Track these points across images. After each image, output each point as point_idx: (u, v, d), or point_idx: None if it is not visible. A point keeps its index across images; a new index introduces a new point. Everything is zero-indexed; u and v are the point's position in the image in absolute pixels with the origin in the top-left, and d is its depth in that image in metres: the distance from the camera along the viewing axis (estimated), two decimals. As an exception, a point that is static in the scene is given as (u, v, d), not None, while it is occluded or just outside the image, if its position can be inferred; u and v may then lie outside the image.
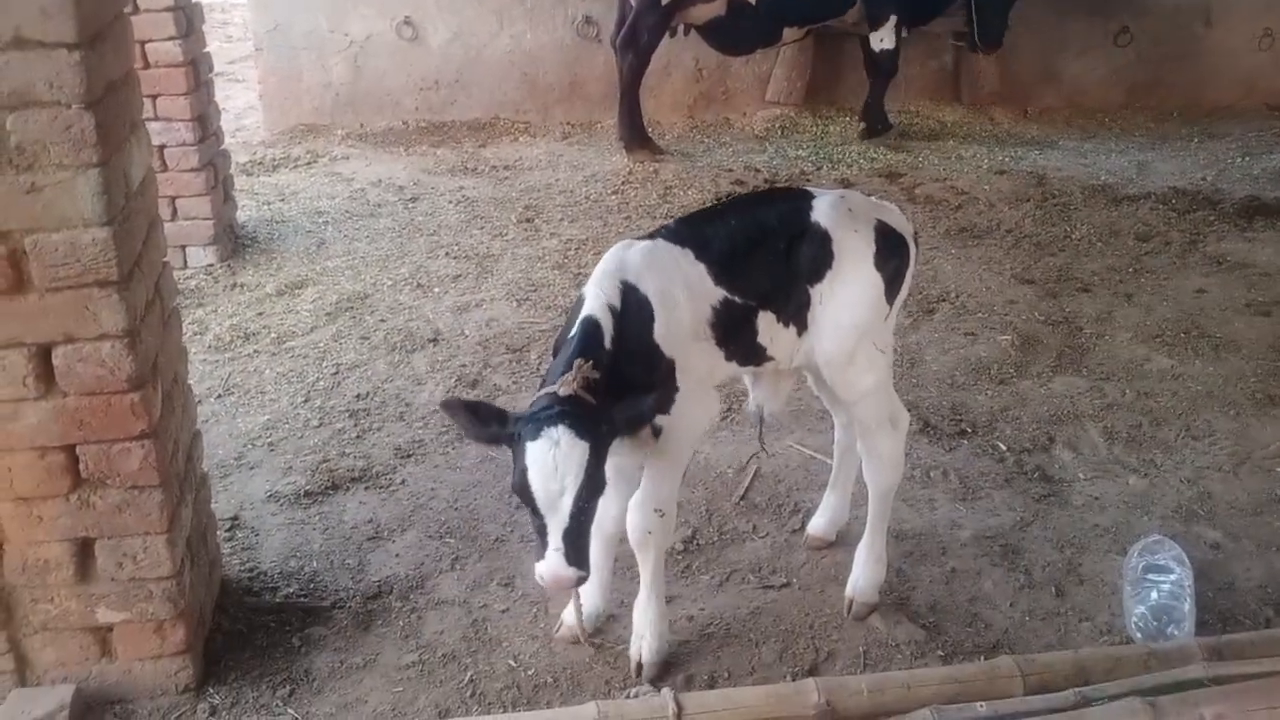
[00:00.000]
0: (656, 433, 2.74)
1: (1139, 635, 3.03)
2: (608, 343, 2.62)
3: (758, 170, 7.41)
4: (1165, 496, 3.74)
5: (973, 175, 7.29)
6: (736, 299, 2.85)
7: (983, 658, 2.96)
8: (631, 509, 2.85)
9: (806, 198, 3.02)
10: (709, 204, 6.66)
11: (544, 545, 2.48)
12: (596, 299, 2.66)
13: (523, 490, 2.47)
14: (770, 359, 2.96)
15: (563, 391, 2.51)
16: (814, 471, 3.86)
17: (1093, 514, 3.64)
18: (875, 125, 8.04)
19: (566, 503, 2.45)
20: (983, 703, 2.66)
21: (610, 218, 6.49)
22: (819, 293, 2.92)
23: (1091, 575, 3.34)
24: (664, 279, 2.76)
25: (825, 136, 8.29)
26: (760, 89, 8.75)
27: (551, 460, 2.41)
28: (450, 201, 6.80)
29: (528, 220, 6.46)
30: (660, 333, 2.70)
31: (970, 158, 7.74)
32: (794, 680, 2.86)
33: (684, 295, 2.78)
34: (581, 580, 2.56)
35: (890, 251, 2.98)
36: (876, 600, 3.20)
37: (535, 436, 2.43)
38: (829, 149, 7.97)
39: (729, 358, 2.89)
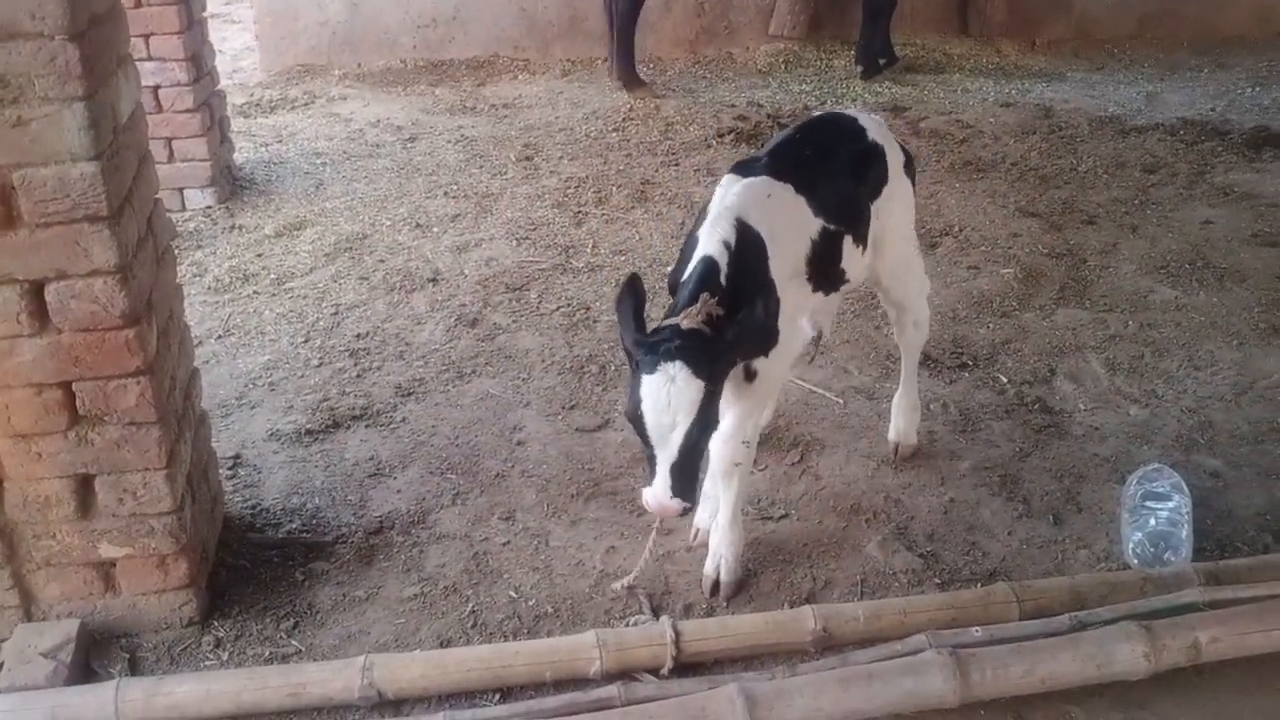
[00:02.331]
0: (751, 375, 2.77)
1: (1136, 562, 3.04)
2: (723, 279, 2.63)
3: (760, 106, 7.32)
4: (1166, 426, 3.73)
5: (978, 108, 7.19)
6: (830, 227, 2.93)
7: (980, 585, 2.97)
8: (720, 441, 2.84)
9: (853, 119, 3.21)
10: (710, 140, 6.62)
11: (652, 474, 2.54)
12: (712, 237, 2.68)
13: (635, 419, 2.51)
14: (846, 282, 3.06)
15: (685, 324, 2.52)
16: (813, 405, 3.86)
17: (1092, 444, 3.64)
18: (872, 66, 7.90)
19: (676, 438, 2.48)
20: (978, 627, 2.69)
21: (611, 155, 6.43)
22: (877, 209, 3.09)
23: (1090, 504, 3.35)
24: (774, 215, 2.80)
25: (829, 71, 8.17)
26: (763, 23, 8.61)
27: (665, 396, 2.44)
28: (449, 141, 6.74)
29: (527, 159, 6.40)
30: (775, 269, 2.74)
31: (976, 91, 7.63)
32: (791, 608, 2.89)
33: (790, 231, 2.83)
34: (686, 511, 2.61)
35: (908, 158, 3.27)
36: (916, 442, 3.53)
37: (652, 370, 2.45)
38: (833, 84, 7.87)
39: (816, 289, 2.94)
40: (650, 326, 2.63)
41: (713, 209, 2.78)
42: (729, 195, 2.80)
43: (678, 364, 2.44)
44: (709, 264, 2.65)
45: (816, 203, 2.90)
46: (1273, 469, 3.50)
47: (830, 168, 3.01)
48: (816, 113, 3.33)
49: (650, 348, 2.50)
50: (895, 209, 3.18)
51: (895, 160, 3.19)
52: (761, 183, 2.86)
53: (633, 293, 2.62)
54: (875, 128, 3.20)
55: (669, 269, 4.88)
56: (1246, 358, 4.13)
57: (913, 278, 3.38)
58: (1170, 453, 3.57)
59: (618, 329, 2.65)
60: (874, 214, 3.08)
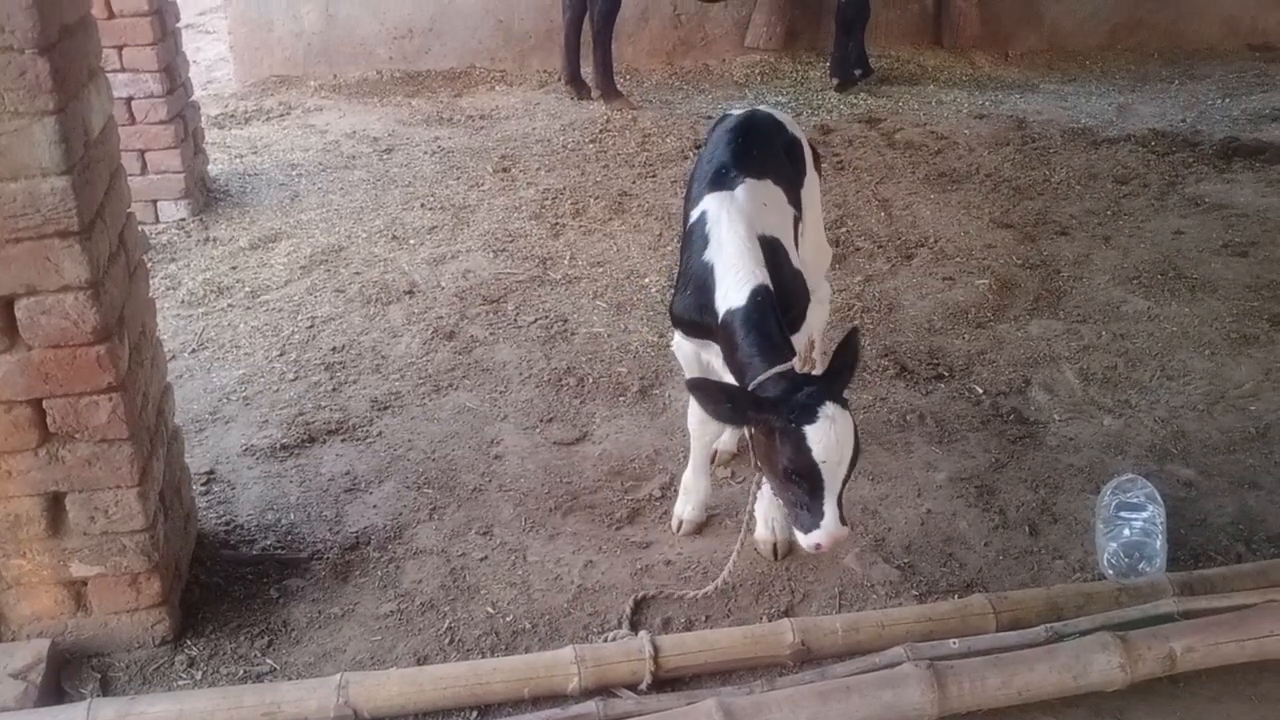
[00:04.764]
0: None
1: (1111, 572, 3.06)
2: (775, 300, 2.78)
3: (736, 117, 7.33)
4: (1139, 436, 3.76)
5: (952, 120, 7.24)
6: (796, 213, 3.14)
7: (957, 596, 2.98)
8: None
9: (770, 114, 3.40)
10: (687, 152, 6.63)
11: (815, 514, 2.60)
12: (750, 265, 2.78)
13: (806, 469, 2.56)
14: None
15: (799, 370, 2.67)
16: (791, 417, 3.86)
17: (1067, 454, 3.66)
18: (847, 78, 7.94)
19: (843, 472, 2.60)
20: (956, 639, 2.69)
21: (588, 166, 6.44)
22: (801, 197, 3.26)
23: (1065, 514, 3.37)
24: (772, 216, 2.98)
25: (805, 82, 8.22)
26: (739, 35, 8.65)
27: (834, 437, 2.53)
28: (425, 152, 6.72)
29: (504, 170, 6.39)
30: (794, 262, 2.95)
31: (950, 102, 7.69)
32: (770, 621, 2.89)
33: (785, 223, 3.03)
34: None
35: (815, 151, 3.49)
36: None
37: (812, 419, 2.53)
38: (809, 95, 7.91)
39: None
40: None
41: (725, 233, 2.85)
42: (738, 214, 2.88)
43: (830, 405, 2.55)
44: (765, 293, 2.75)
45: (787, 192, 3.11)
46: (1245, 478, 3.53)
47: (779, 159, 3.20)
48: (733, 113, 3.43)
49: (789, 402, 2.57)
50: (814, 197, 3.40)
51: (808, 152, 3.41)
52: (752, 189, 2.97)
53: (708, 385, 2.71)
54: (790, 122, 3.42)
55: (646, 280, 4.94)
56: (1218, 367, 4.17)
57: (826, 259, 3.63)
58: (1144, 463, 3.60)
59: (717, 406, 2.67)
60: (802, 200, 3.27)
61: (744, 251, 2.81)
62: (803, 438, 2.53)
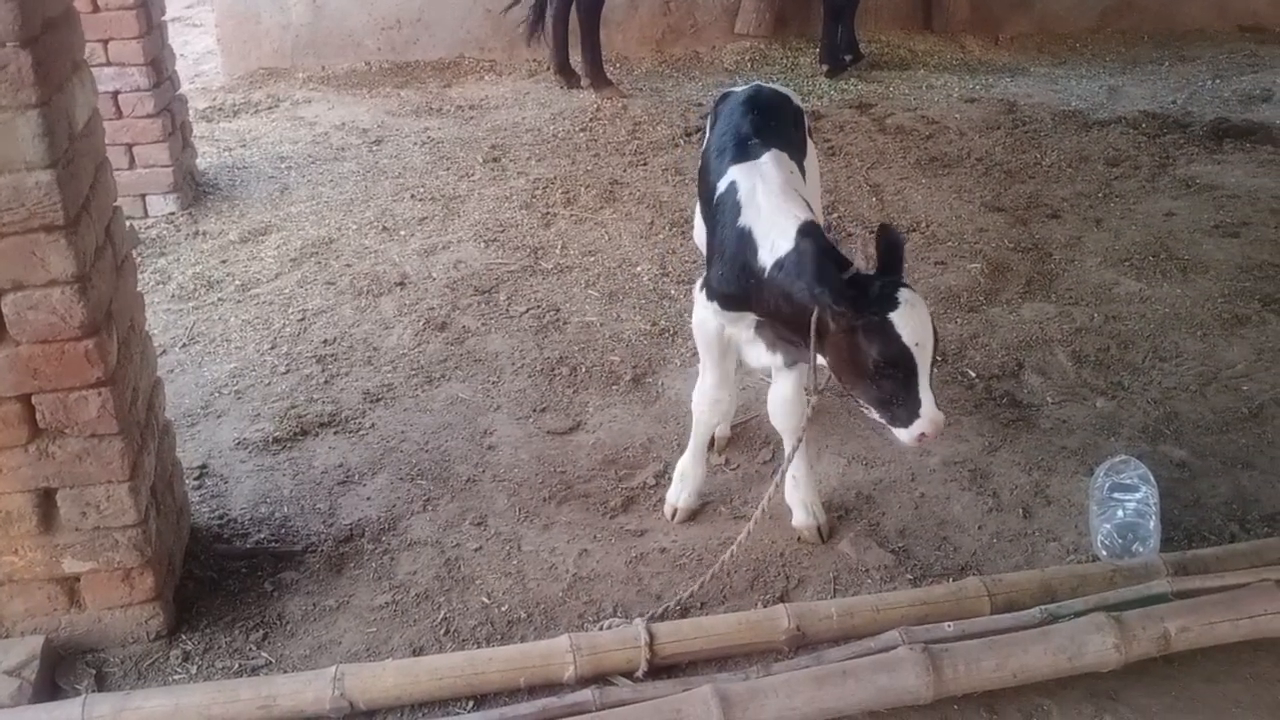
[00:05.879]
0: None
1: (1105, 553, 3.06)
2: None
3: (727, 104, 7.31)
4: (1132, 417, 3.76)
5: (943, 104, 7.23)
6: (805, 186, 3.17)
7: (951, 580, 2.98)
8: (787, 403, 3.06)
9: (775, 88, 3.46)
10: (678, 139, 6.61)
11: (912, 405, 2.57)
12: (795, 211, 2.82)
13: (900, 357, 2.54)
14: None
15: (865, 271, 2.66)
16: (785, 403, 3.86)
17: (1060, 437, 3.66)
18: (837, 64, 7.92)
19: (929, 354, 2.58)
20: (950, 623, 2.70)
21: (579, 155, 6.41)
22: (804, 167, 3.26)
23: (1059, 496, 3.37)
24: (797, 183, 3.03)
25: (795, 68, 8.19)
26: (729, 21, 8.62)
27: (919, 317, 2.55)
28: (415, 143, 6.69)
29: (494, 160, 6.37)
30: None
31: (941, 87, 7.67)
32: (765, 607, 2.89)
33: (806, 192, 3.07)
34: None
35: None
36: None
37: (895, 305, 2.54)
38: (799, 81, 7.87)
39: None
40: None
41: (760, 197, 2.87)
42: (770, 179, 2.92)
43: (908, 290, 2.57)
44: (813, 227, 2.76)
45: (799, 165, 3.16)
46: (1238, 458, 3.54)
47: (790, 132, 3.25)
48: (738, 88, 3.45)
49: (866, 295, 2.56)
50: (814, 167, 3.44)
51: (806, 125, 3.48)
52: (777, 158, 3.01)
53: (829, 254, 2.70)
54: (792, 93, 3.51)
55: (638, 268, 4.93)
56: (1210, 348, 4.18)
57: None
58: (1137, 444, 3.60)
59: (821, 292, 2.59)
60: (804, 170, 3.28)
61: (782, 205, 2.82)
62: (890, 325, 2.52)
